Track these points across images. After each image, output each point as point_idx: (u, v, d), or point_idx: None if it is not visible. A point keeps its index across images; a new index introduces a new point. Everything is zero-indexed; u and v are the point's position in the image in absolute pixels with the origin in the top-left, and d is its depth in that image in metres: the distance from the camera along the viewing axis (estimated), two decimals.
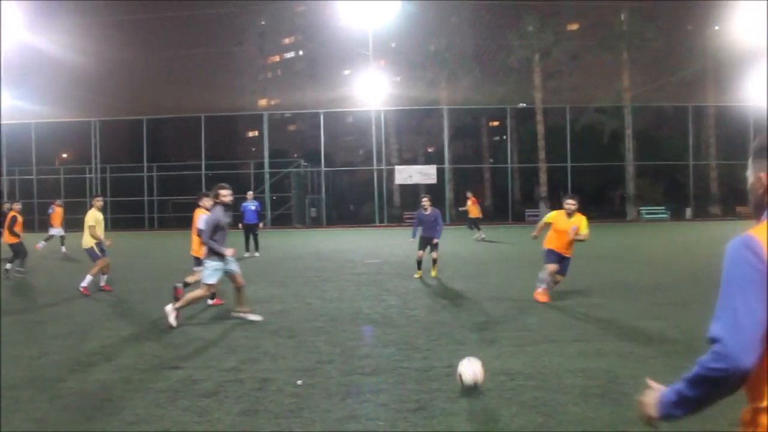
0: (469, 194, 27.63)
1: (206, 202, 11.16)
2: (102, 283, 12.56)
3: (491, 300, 10.66)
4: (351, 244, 25.22)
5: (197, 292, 9.02)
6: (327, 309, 10.09)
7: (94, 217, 12.35)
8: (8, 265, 15.20)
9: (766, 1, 33.73)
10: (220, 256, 8.86)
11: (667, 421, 1.99)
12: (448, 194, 45.39)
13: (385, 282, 13.19)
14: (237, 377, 6.20)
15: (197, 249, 10.98)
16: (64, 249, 22.06)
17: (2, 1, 38.11)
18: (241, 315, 9.12)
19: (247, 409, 5.25)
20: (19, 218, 15.26)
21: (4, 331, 8.62)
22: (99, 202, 12.76)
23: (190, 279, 11.06)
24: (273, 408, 5.27)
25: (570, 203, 10.07)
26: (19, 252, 15.12)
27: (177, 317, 8.80)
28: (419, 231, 13.87)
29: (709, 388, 1.80)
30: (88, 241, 12.27)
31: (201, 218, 10.77)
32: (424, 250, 13.73)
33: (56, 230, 22.38)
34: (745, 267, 1.81)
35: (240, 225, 19.90)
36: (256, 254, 19.75)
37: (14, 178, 44.88)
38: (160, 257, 21.17)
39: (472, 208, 26.72)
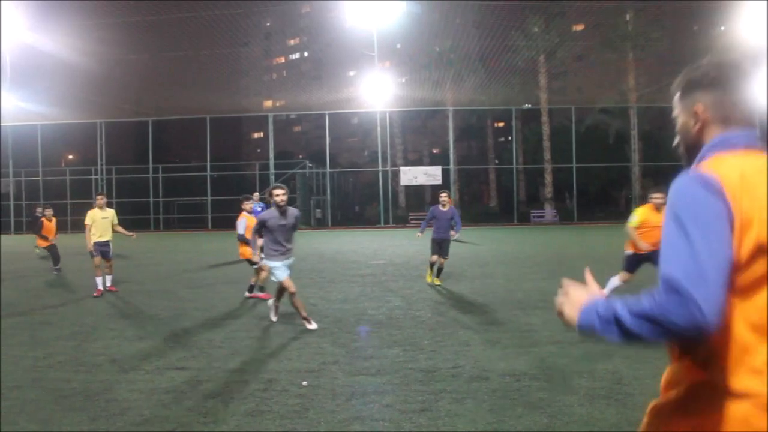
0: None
1: (247, 205, 12.14)
2: (108, 284, 12.57)
3: (496, 301, 10.64)
4: (356, 245, 25.22)
5: (291, 298, 8.72)
6: (331, 310, 10.09)
7: (90, 216, 12.28)
8: (58, 266, 16.25)
9: (766, 2, 33.58)
10: (274, 254, 8.70)
11: (582, 334, 1.69)
12: (454, 195, 45.35)
13: (390, 283, 13.19)
14: (242, 378, 6.20)
15: (242, 252, 12.07)
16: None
17: (4, 2, 38.23)
18: (269, 307, 9.26)
19: (253, 410, 5.25)
20: (46, 223, 16.63)
21: (10, 332, 8.65)
22: (99, 200, 12.55)
23: (253, 280, 11.57)
24: (278, 409, 5.27)
25: (658, 196, 9.19)
26: (51, 254, 16.28)
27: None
28: (431, 232, 12.66)
29: (657, 332, 1.51)
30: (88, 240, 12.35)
31: (241, 222, 11.83)
32: (438, 255, 12.51)
33: None
34: (702, 207, 1.57)
35: None
36: (262, 255, 19.78)
37: (20, 180, 45.03)
38: (165, 258, 21.20)
39: None
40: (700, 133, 1.81)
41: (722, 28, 46.11)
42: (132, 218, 44.18)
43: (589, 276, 1.82)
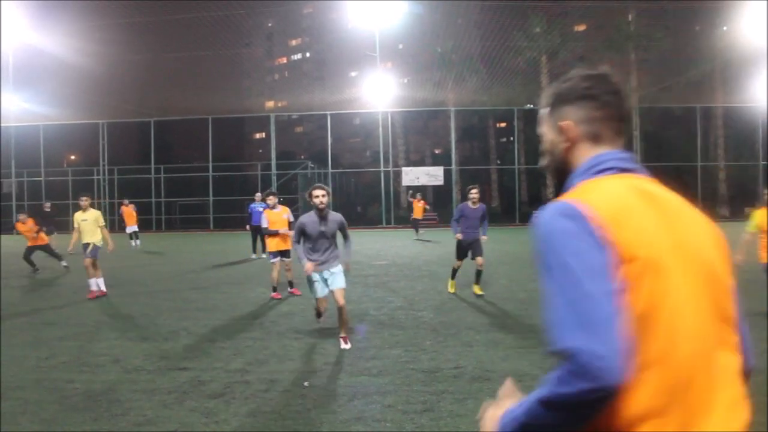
0: (418, 195, 30.50)
1: (270, 200, 12.24)
2: (101, 287, 12.19)
3: (498, 301, 10.64)
4: (358, 245, 25.12)
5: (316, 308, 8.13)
6: (334, 310, 10.06)
7: (75, 218, 12.18)
8: (63, 263, 16.77)
9: (766, 2, 33.47)
10: (320, 265, 7.57)
11: None
12: (456, 196, 45.37)
13: (392, 283, 13.18)
14: (244, 378, 6.20)
15: (268, 244, 12.19)
16: (138, 243, 26.06)
17: (6, 2, 38.28)
18: (339, 338, 7.60)
19: (254, 410, 5.25)
20: (19, 226, 17.13)
21: (12, 333, 8.67)
22: (82, 201, 12.26)
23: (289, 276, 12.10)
24: (280, 409, 5.27)
25: None
26: (48, 253, 17.18)
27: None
28: (459, 230, 11.34)
29: (569, 415, 1.22)
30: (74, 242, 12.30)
31: (263, 217, 12.01)
32: (463, 260, 11.47)
33: (131, 228, 26.27)
34: (572, 243, 1.31)
35: (248, 226, 20.10)
36: (263, 255, 19.81)
37: (23, 180, 45.08)
38: (167, 259, 21.21)
39: (417, 209, 29.66)
40: (569, 152, 1.59)
41: (725, 28, 46.07)
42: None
43: (510, 385, 1.56)
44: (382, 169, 45.36)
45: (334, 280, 7.63)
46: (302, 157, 66.11)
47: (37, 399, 5.66)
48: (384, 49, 47.18)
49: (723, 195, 45.89)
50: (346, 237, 7.76)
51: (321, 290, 7.67)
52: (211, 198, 44.76)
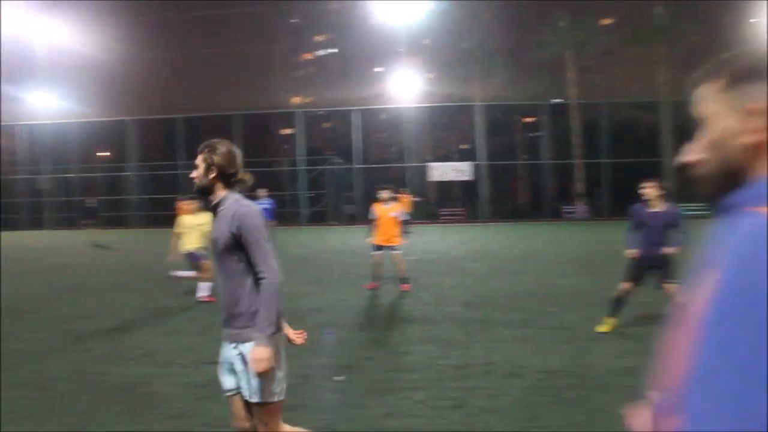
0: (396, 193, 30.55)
1: (384, 194, 11.85)
2: (204, 293, 11.10)
3: (528, 296, 10.56)
4: None
5: None
6: (364, 306, 10.11)
7: (182, 223, 11.37)
8: None
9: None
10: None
11: None
12: (482, 192, 45.23)
13: (422, 279, 13.14)
14: None
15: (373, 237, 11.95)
16: None
17: (35, 1, 39.02)
18: None
19: (288, 404, 5.27)
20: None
21: (49, 326, 8.80)
22: (188, 205, 11.39)
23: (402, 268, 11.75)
24: (314, 403, 5.30)
25: None
26: None
27: None
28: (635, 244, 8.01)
29: None
30: (186, 246, 11.32)
31: (372, 208, 11.81)
32: (635, 283, 7.87)
33: None
34: None
35: None
36: None
37: (56, 176, 45.86)
38: None
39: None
40: (755, 149, 1.02)
41: (752, 20, 45.37)
42: (164, 214, 44.81)
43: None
44: (409, 164, 45.35)
45: (243, 375, 3.54)
46: (329, 152, 66.27)
47: (74, 390, 5.75)
48: (410, 45, 47.13)
49: None
50: (258, 272, 3.50)
51: (226, 381, 3.63)
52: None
